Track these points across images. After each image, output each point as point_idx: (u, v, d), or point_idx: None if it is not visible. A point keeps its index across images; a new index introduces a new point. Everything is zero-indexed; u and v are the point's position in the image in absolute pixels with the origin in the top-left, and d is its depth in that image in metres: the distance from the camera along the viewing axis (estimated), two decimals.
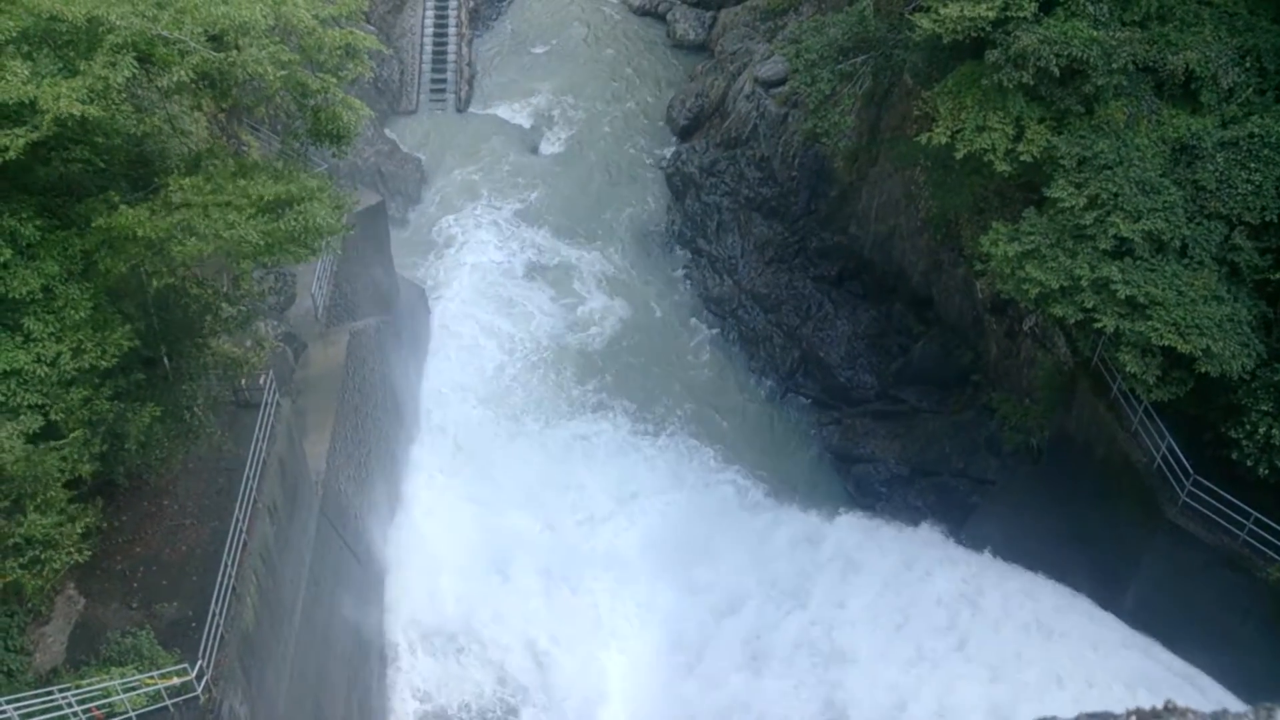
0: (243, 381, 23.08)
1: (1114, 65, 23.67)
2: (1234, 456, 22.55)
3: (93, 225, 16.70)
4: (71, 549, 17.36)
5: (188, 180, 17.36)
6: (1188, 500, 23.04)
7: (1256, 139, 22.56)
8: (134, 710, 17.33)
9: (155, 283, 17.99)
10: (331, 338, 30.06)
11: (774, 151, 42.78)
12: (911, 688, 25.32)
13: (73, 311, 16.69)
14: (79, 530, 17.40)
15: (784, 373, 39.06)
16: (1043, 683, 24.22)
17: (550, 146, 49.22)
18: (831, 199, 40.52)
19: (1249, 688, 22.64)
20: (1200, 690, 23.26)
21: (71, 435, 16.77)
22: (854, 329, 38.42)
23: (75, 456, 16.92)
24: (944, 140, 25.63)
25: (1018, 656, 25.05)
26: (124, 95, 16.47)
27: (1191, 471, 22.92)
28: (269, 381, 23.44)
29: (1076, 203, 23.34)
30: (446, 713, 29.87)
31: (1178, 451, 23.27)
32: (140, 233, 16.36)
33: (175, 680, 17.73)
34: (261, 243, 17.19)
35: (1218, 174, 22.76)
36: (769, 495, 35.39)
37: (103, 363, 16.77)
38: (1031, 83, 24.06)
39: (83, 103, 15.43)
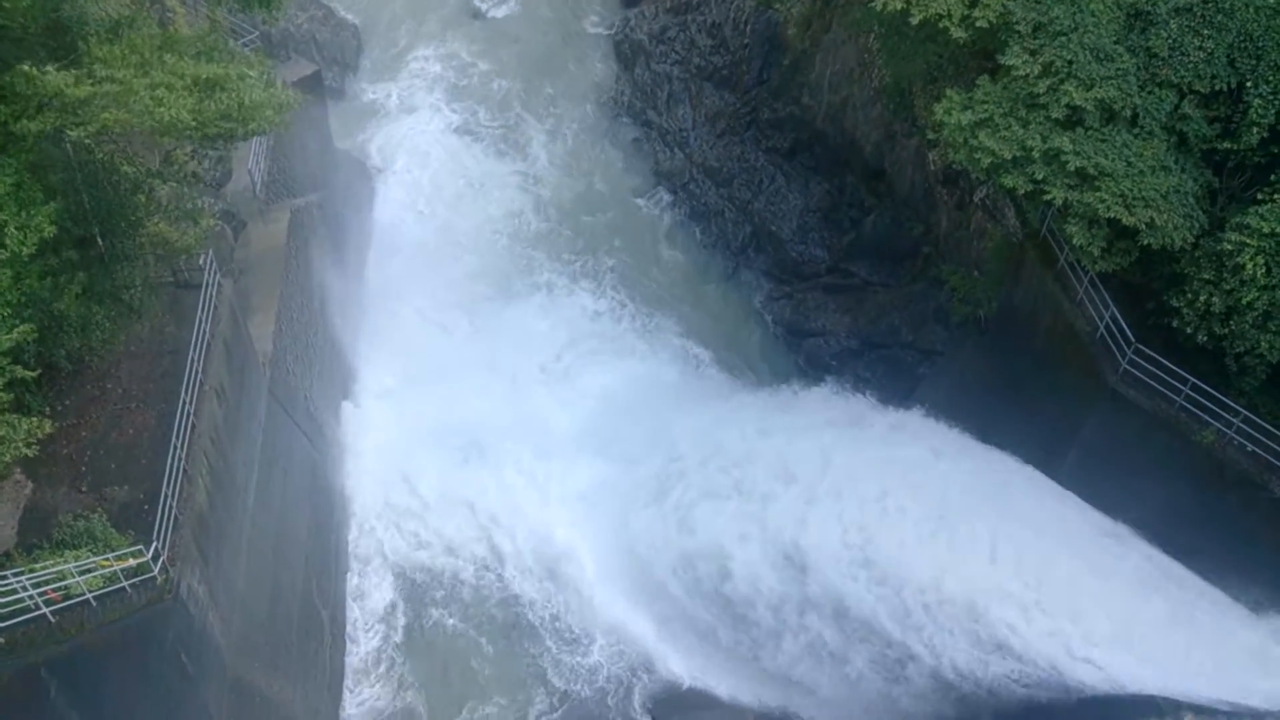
0: (181, 261, 22.43)
1: None
2: (1174, 325, 23.06)
3: (17, 93, 15.86)
4: (19, 443, 17.09)
5: (110, 49, 16.47)
6: (1128, 368, 23.58)
7: (1210, 4, 22.26)
8: (91, 592, 17.35)
9: (84, 156, 17.25)
10: (272, 215, 29.24)
11: (725, 17, 41.57)
12: (867, 535, 25.59)
13: None
14: (24, 430, 17.10)
15: (736, 247, 38.91)
16: (970, 543, 24.59)
17: (493, 11, 47.37)
18: (784, 68, 39.66)
19: (1171, 544, 23.61)
20: (1120, 540, 23.93)
21: (16, 330, 16.27)
22: (806, 203, 38.21)
23: (16, 348, 16.44)
24: (899, 6, 25.02)
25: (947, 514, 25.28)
26: None
27: (1133, 340, 23.41)
28: (209, 261, 22.83)
29: (1031, 70, 23.09)
30: (409, 585, 30.43)
31: (1120, 320, 23.71)
32: (69, 93, 15.63)
33: (131, 562, 17.73)
34: (193, 123, 16.55)
35: (1170, 40, 22.54)
36: (719, 367, 35.71)
37: (24, 249, 16.12)
38: None
39: None
